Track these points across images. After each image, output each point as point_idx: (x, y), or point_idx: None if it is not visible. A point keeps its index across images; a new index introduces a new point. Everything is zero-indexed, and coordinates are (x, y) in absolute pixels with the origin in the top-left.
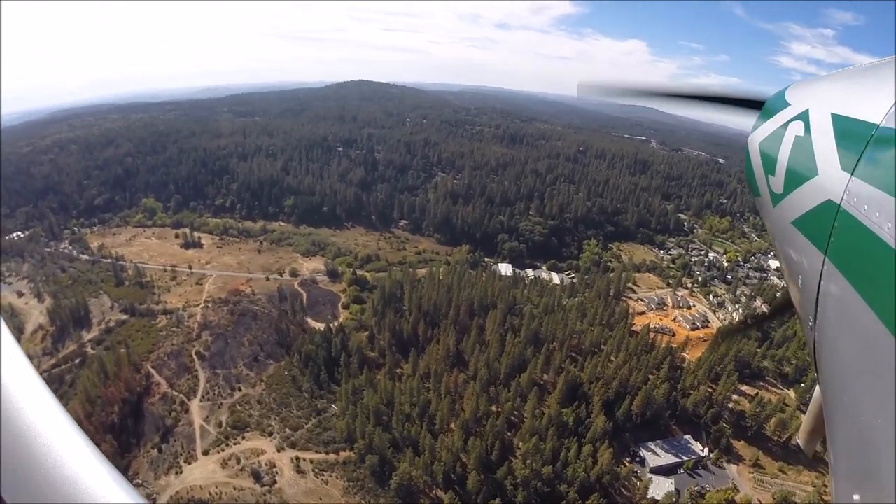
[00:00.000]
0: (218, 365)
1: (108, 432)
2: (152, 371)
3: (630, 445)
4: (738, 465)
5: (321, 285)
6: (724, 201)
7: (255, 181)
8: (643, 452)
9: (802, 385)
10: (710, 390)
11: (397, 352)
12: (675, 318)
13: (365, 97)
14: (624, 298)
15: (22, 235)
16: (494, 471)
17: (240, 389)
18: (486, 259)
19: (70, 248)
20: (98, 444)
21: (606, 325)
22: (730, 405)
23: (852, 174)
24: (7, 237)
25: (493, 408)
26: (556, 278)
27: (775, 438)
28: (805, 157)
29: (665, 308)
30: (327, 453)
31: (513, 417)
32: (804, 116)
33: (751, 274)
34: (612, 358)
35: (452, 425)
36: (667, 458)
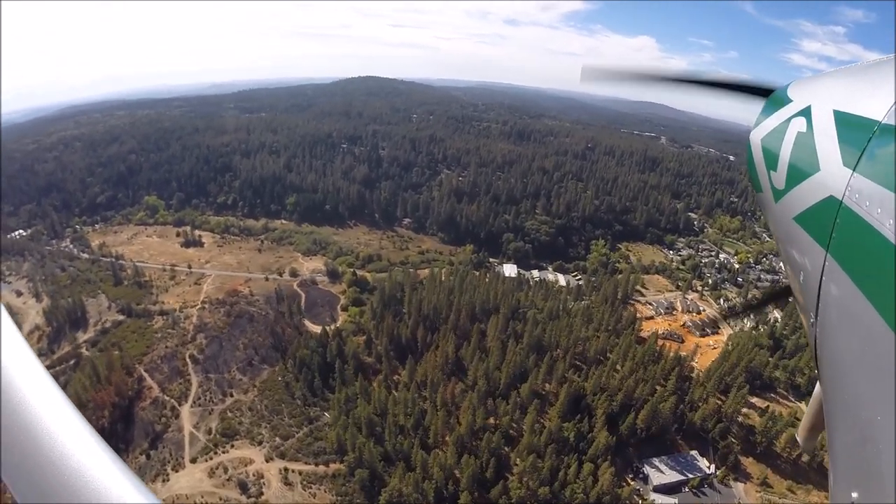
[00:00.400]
0: (211, 369)
1: None
2: (145, 374)
3: (633, 461)
4: (745, 483)
5: (321, 286)
6: (735, 200)
7: (258, 178)
8: (647, 469)
9: None
10: (719, 402)
11: (395, 357)
12: (684, 324)
13: (372, 93)
14: (632, 302)
15: (24, 233)
16: (489, 489)
17: (232, 395)
18: (491, 259)
19: (71, 246)
20: None
21: (613, 332)
22: (739, 418)
23: (854, 170)
24: (9, 235)
25: (492, 420)
26: (562, 280)
27: (785, 455)
28: (807, 153)
29: (674, 312)
30: (317, 465)
31: (511, 431)
32: (806, 113)
33: (762, 276)
34: (618, 367)
35: (448, 438)
36: (671, 476)
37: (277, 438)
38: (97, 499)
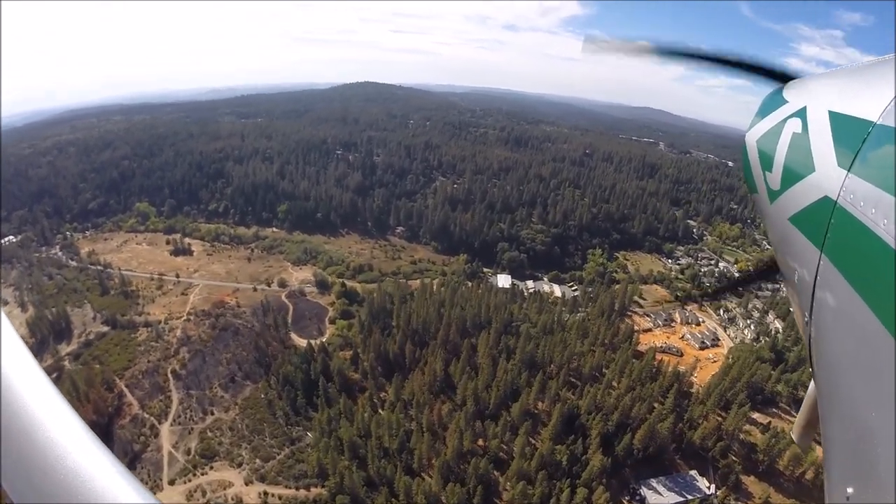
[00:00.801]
0: (193, 385)
1: None
2: (125, 390)
3: (630, 482)
4: (746, 503)
5: (309, 297)
6: (735, 206)
7: (250, 185)
8: (644, 491)
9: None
10: (719, 419)
11: (382, 374)
12: (682, 336)
13: (370, 98)
14: (629, 313)
15: (14, 240)
16: None
17: (212, 413)
18: (485, 269)
19: (60, 253)
20: None
21: (609, 346)
22: (740, 436)
23: (849, 171)
24: (0, 242)
25: (481, 442)
26: (557, 291)
27: (788, 473)
28: (802, 154)
29: (672, 324)
30: (297, 489)
31: (501, 454)
32: (801, 114)
33: (763, 286)
34: (615, 384)
35: (434, 462)
36: (669, 497)
37: (258, 460)
38: (95, 499)
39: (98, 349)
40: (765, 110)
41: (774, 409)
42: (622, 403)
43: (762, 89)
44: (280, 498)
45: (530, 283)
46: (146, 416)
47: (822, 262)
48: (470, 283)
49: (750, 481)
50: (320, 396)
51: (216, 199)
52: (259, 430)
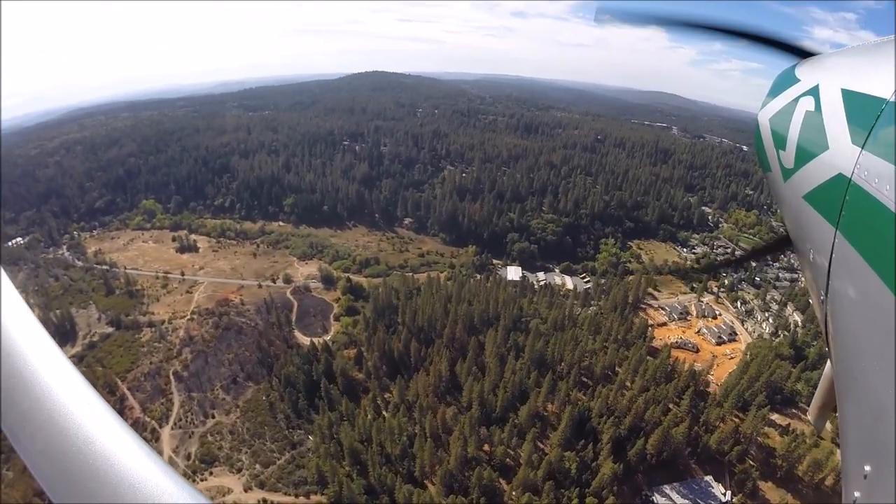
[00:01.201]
0: (194, 387)
1: None
2: (127, 393)
3: (642, 489)
4: None
5: (314, 293)
6: (751, 192)
7: (256, 179)
8: (656, 497)
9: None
10: (737, 421)
11: (386, 374)
12: (699, 330)
13: (378, 88)
14: (643, 306)
15: (22, 241)
16: None
17: (213, 416)
18: (494, 261)
19: (67, 254)
20: None
21: (622, 343)
22: (758, 439)
23: (863, 148)
24: (8, 244)
25: (486, 448)
26: (569, 282)
27: (807, 479)
28: (816, 131)
29: (688, 318)
30: (297, 496)
31: (508, 460)
32: (814, 92)
33: (781, 275)
34: (628, 384)
35: (437, 469)
36: None
37: (258, 466)
38: (135, 498)
39: (102, 351)
40: (777, 89)
41: (794, 410)
42: (635, 406)
43: (776, 71)
44: None
45: (541, 275)
46: (147, 419)
47: (837, 240)
48: (478, 276)
49: (767, 487)
50: (322, 398)
51: (222, 194)
52: (260, 434)
